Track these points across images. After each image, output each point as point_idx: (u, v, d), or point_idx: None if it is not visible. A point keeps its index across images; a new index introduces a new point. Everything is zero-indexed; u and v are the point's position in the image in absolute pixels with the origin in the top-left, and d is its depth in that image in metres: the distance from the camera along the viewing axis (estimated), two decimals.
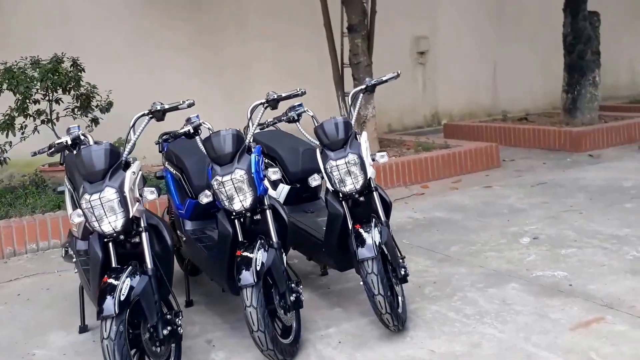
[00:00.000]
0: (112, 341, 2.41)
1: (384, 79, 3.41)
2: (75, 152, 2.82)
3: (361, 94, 3.37)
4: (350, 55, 6.75)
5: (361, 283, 3.07)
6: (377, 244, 2.94)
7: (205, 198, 2.91)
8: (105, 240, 2.63)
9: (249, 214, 2.91)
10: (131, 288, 2.51)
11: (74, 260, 3.26)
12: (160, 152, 3.75)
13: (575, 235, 4.36)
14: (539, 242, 4.30)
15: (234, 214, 2.90)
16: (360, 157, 3.06)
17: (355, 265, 3.07)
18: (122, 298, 2.46)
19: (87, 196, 2.55)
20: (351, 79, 6.82)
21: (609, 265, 3.74)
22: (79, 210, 2.65)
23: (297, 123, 3.32)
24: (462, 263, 4.00)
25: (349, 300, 3.51)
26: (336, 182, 3.07)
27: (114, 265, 2.61)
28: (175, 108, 2.84)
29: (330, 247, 3.18)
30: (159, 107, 2.79)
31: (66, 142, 2.82)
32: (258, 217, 2.95)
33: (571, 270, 3.70)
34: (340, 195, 3.10)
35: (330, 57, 7.06)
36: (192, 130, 2.99)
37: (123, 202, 2.56)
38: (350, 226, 3.08)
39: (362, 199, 3.13)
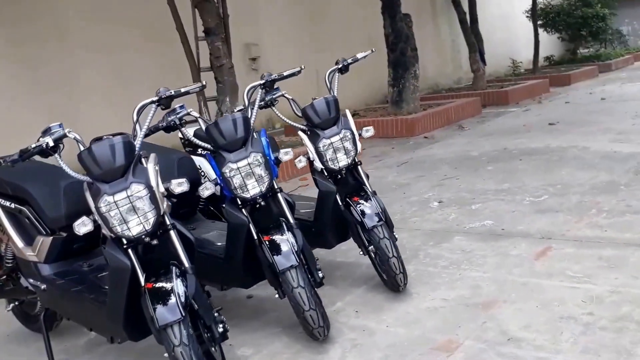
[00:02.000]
0: (186, 346, 2.17)
1: (359, 57, 3.51)
2: (57, 154, 2.38)
3: (337, 74, 3.40)
4: (212, 58, 6.64)
5: (360, 253, 3.17)
6: (381, 211, 3.06)
7: (207, 191, 2.69)
8: (125, 246, 2.31)
9: (259, 200, 2.81)
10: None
11: (43, 288, 2.75)
12: None
13: (470, 195, 4.93)
14: (445, 204, 4.77)
15: (239, 203, 2.77)
16: (353, 133, 3.14)
17: (355, 236, 3.15)
18: (183, 299, 2.23)
19: (108, 197, 2.22)
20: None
21: (517, 211, 4.33)
22: (85, 218, 2.28)
23: (273, 107, 3.26)
24: (399, 230, 4.23)
25: (332, 278, 3.54)
26: (328, 159, 3.10)
27: (139, 272, 2.30)
28: (186, 92, 2.60)
29: (323, 225, 3.20)
30: (173, 92, 2.51)
31: (46, 144, 2.31)
32: (262, 202, 2.85)
33: (493, 219, 4.21)
34: (326, 173, 3.14)
35: (188, 62, 6.87)
36: (177, 122, 2.75)
37: (153, 198, 2.30)
38: (340, 201, 3.13)
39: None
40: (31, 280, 2.81)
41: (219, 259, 2.91)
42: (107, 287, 2.53)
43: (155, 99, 2.51)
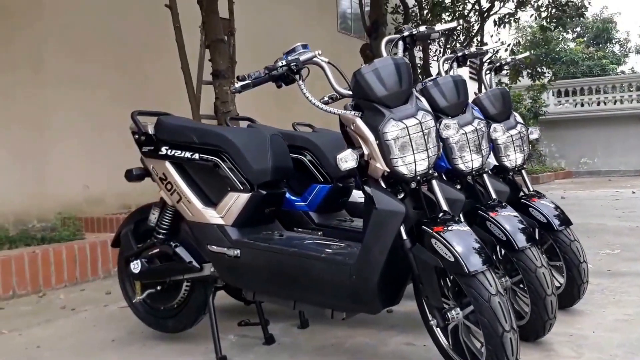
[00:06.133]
0: (503, 296, 2.00)
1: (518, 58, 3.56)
2: (301, 80, 2.22)
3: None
4: (218, 103, 6.38)
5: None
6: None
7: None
8: (403, 192, 2.17)
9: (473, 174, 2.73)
10: None
11: (234, 255, 2.43)
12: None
13: None
14: None
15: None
16: (526, 128, 3.16)
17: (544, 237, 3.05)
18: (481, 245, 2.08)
19: (397, 122, 2.09)
20: None
21: (604, 259, 4.49)
22: (349, 152, 2.10)
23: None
24: None
25: None
26: (503, 155, 3.06)
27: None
28: (430, 33, 2.55)
29: None
30: (415, 31, 2.47)
31: (295, 64, 2.17)
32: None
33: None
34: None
35: (190, 106, 6.56)
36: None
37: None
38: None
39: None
40: (214, 248, 2.47)
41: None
42: (328, 250, 2.30)
43: (405, 34, 2.46)
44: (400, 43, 2.50)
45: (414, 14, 12.63)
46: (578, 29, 27.70)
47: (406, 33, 2.52)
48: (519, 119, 3.19)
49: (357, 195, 3.29)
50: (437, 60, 3.17)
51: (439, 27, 2.62)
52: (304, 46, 2.24)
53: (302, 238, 2.54)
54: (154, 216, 2.76)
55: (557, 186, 14.76)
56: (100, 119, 6.98)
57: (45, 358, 2.76)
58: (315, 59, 2.21)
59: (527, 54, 3.84)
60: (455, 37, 13.18)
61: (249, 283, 2.49)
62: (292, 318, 3.08)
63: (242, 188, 2.48)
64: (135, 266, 2.72)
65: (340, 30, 12.78)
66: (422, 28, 2.57)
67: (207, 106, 6.73)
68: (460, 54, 3.17)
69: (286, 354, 2.66)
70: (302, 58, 2.19)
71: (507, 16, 13.21)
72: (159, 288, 2.77)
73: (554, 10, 12.89)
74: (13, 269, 3.88)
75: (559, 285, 3.05)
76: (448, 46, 12.69)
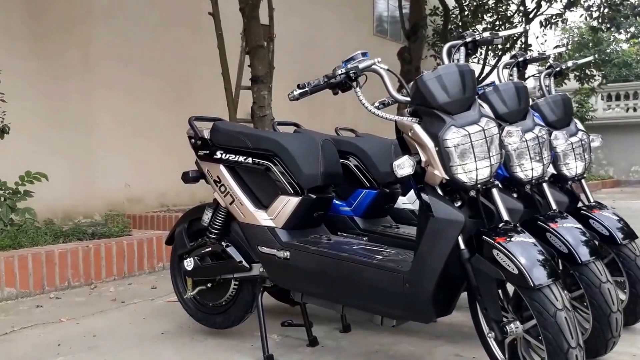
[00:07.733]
0: (570, 312, 1.94)
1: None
2: (358, 87, 2.23)
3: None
4: (255, 107, 6.41)
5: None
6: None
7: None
8: (460, 200, 2.15)
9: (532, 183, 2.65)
10: None
11: (284, 257, 2.47)
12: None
13: None
14: None
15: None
16: (587, 135, 3.06)
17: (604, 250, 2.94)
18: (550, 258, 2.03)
19: (458, 129, 2.05)
20: None
21: None
22: (406, 158, 2.09)
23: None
24: None
25: None
26: (562, 164, 2.97)
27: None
28: (493, 38, 2.50)
29: None
30: (478, 37, 2.44)
31: (354, 72, 2.19)
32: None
33: None
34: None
35: (228, 110, 6.61)
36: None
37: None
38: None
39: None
40: (264, 249, 2.54)
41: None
42: (379, 257, 2.31)
43: (468, 39, 2.40)
44: (462, 49, 2.44)
45: (454, 15, 12.39)
46: (632, 29, 26.87)
47: (469, 39, 2.46)
48: (579, 125, 3.10)
49: (401, 202, 3.27)
50: (478, 62, 3.12)
51: (502, 32, 2.57)
52: (364, 54, 2.26)
53: (350, 243, 2.58)
54: (207, 216, 2.84)
55: (605, 196, 14.37)
56: (142, 122, 7.22)
57: (102, 346, 2.87)
58: (374, 66, 2.23)
59: (591, 58, 3.70)
60: None
61: (297, 284, 2.53)
62: (333, 321, 3.12)
63: (292, 192, 2.55)
64: (189, 263, 2.82)
65: (375, 34, 12.70)
66: (486, 34, 2.50)
67: (242, 110, 6.81)
68: (521, 59, 3.09)
69: (331, 357, 2.68)
70: (361, 66, 2.21)
71: (554, 17, 12.84)
72: (209, 285, 2.86)
73: (606, 10, 12.44)
74: (69, 262, 4.12)
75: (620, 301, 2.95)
76: (490, 48, 12.39)
